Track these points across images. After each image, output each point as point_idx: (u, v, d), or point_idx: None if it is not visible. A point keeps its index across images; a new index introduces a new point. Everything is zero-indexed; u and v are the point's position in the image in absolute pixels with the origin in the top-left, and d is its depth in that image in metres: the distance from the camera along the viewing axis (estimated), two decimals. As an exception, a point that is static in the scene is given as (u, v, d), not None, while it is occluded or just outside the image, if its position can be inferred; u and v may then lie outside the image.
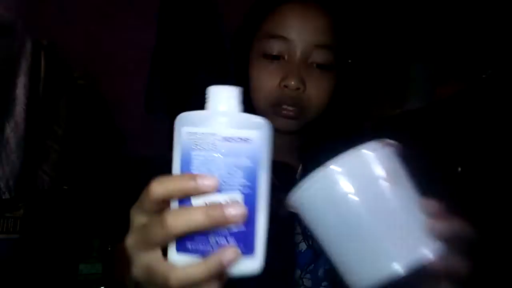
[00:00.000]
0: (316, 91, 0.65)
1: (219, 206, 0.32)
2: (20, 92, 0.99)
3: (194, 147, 0.33)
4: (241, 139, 0.33)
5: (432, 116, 1.06)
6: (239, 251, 0.32)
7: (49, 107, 1.11)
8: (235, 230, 0.33)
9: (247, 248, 0.33)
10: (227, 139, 0.33)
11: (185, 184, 0.32)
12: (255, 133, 0.34)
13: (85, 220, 1.28)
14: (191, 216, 0.32)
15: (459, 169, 0.93)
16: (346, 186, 0.34)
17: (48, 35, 1.38)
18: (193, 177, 0.32)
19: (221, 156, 0.33)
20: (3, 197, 0.93)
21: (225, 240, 0.33)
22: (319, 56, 0.65)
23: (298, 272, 0.73)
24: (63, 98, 1.19)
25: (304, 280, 0.73)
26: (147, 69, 1.61)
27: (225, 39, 1.60)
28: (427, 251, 0.33)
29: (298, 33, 0.64)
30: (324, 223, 0.36)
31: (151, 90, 1.61)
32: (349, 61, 0.71)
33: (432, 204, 0.36)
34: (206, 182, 0.32)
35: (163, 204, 0.33)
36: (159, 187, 0.33)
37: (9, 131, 0.96)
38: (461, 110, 0.97)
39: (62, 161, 1.13)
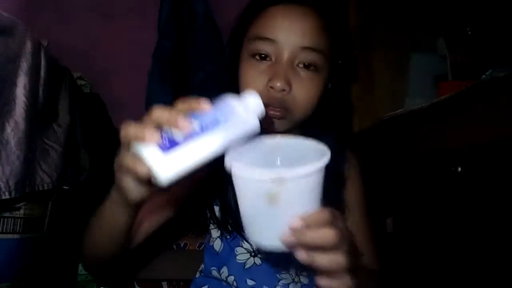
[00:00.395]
0: (301, 92, 0.66)
1: (182, 117, 0.46)
2: (20, 92, 0.99)
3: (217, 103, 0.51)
4: (233, 112, 0.49)
5: (432, 116, 1.06)
6: (160, 140, 0.46)
7: (49, 107, 1.12)
8: (178, 135, 0.46)
9: (167, 148, 0.45)
10: (229, 105, 0.50)
11: (170, 116, 0.47)
12: (244, 114, 0.50)
13: (85, 220, 1.28)
14: (164, 113, 0.47)
15: (459, 169, 0.93)
16: (251, 187, 0.47)
17: (48, 35, 1.38)
18: (181, 119, 0.46)
19: (214, 110, 0.49)
20: (3, 197, 0.93)
21: (168, 134, 0.47)
22: (306, 58, 0.66)
23: (295, 269, 0.73)
24: (63, 98, 1.20)
25: (301, 277, 0.74)
26: (147, 69, 1.61)
27: (223, 39, 1.61)
28: (279, 245, 0.47)
29: (285, 35, 0.65)
30: (239, 194, 0.50)
31: (151, 89, 1.61)
32: (339, 62, 0.72)
33: (309, 217, 0.45)
34: (183, 124, 0.46)
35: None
36: (157, 110, 0.48)
37: (9, 131, 0.96)
38: (461, 110, 0.96)
39: (62, 161, 1.13)
